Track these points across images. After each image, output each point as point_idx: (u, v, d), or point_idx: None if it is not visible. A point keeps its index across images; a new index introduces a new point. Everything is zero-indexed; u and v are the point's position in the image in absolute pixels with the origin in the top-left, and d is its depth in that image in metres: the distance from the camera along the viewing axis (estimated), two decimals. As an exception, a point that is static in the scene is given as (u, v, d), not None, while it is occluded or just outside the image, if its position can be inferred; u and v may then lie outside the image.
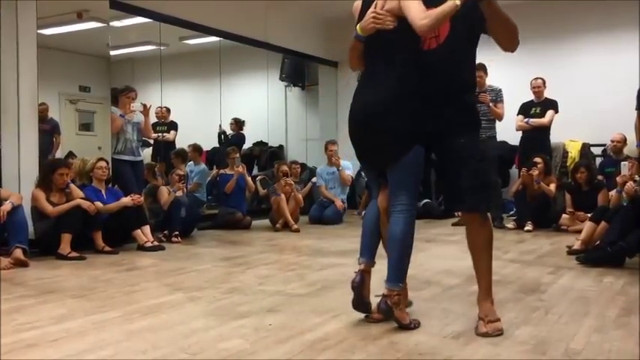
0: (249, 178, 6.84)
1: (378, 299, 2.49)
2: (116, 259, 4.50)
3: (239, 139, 9.05)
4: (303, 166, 8.59)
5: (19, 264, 4.11)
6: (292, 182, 6.69)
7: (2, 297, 3.18)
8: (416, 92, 2.44)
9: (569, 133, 7.30)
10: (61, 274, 3.88)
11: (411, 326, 2.47)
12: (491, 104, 6.31)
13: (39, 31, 5.14)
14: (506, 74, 7.32)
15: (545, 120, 6.57)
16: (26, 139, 5.01)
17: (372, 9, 2.43)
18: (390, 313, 2.45)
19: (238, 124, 9.19)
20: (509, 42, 2.42)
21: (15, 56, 4.96)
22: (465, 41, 2.50)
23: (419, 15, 2.26)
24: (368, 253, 2.64)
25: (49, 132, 6.19)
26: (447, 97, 2.46)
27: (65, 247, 4.49)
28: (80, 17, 6.75)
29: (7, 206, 4.26)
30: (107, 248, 4.75)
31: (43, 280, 3.69)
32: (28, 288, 3.46)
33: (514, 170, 7.38)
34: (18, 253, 4.16)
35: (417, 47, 2.46)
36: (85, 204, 4.64)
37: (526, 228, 6.03)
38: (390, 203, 2.52)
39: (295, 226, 6.35)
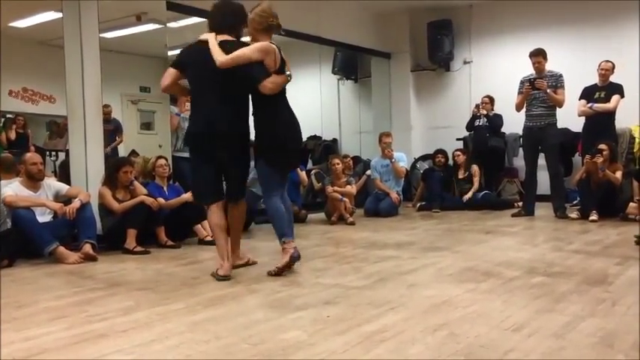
0: (301, 173, 6.83)
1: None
2: (178, 253, 4.65)
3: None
4: (357, 158, 8.57)
5: (89, 258, 4.32)
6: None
7: (73, 290, 3.36)
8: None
9: (635, 118, 6.96)
10: (128, 268, 4.05)
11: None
12: (549, 90, 6.10)
13: (100, 35, 5.34)
14: (566, 58, 7.06)
15: (610, 105, 6.28)
16: (92, 139, 5.20)
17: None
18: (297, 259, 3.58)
19: None
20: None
21: (79, 60, 5.12)
22: None
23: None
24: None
25: (112, 132, 6.44)
26: None
27: (131, 242, 4.66)
28: (139, 20, 6.98)
29: (76, 204, 4.50)
30: (170, 243, 4.92)
31: (111, 274, 3.86)
32: (97, 281, 3.63)
33: (577, 158, 7.11)
34: (87, 248, 4.37)
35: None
36: (149, 200, 4.80)
37: (591, 218, 5.79)
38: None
39: (351, 219, 6.36)
